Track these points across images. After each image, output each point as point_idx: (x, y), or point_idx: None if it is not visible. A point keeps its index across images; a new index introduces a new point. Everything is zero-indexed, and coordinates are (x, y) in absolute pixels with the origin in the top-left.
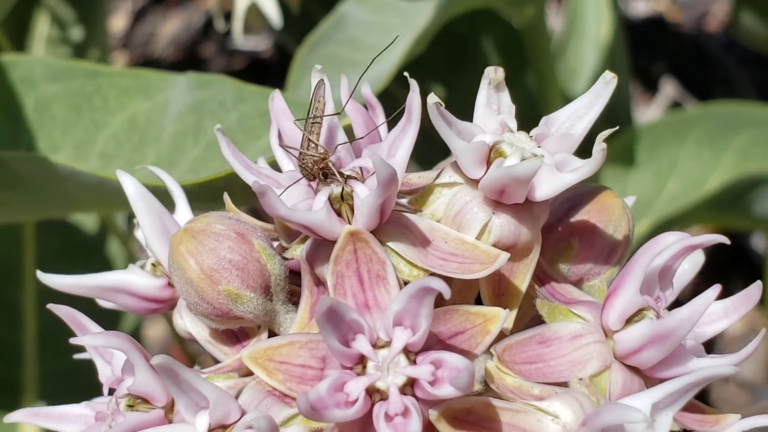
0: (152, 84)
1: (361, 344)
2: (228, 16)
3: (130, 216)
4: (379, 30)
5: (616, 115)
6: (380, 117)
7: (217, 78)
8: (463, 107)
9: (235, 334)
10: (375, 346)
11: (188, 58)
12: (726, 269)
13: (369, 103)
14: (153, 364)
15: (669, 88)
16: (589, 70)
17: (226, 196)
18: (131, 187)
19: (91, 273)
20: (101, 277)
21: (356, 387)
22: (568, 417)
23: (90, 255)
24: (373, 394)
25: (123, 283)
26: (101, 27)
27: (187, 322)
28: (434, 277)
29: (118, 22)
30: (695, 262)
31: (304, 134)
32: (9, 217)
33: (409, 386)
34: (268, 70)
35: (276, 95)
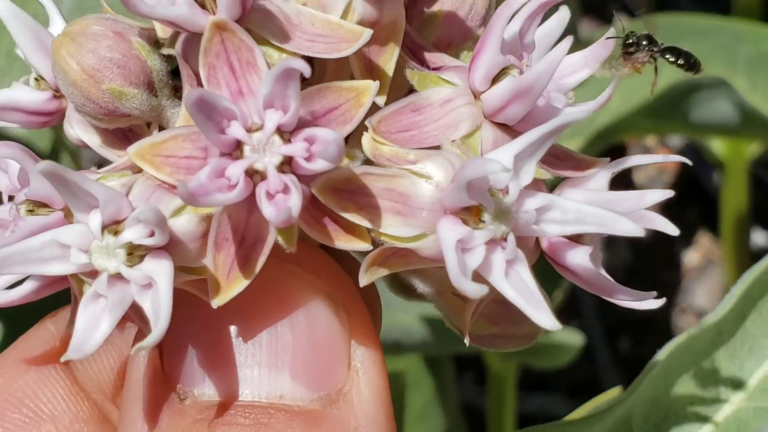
0: None
1: (235, 129)
2: None
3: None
4: None
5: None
6: None
7: None
8: None
9: (127, 136)
10: (250, 130)
11: None
12: (682, 202)
13: None
14: (38, 171)
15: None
16: None
17: (102, 2)
18: (3, 8)
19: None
20: None
21: (235, 170)
22: (440, 176)
23: None
24: (254, 176)
25: (10, 99)
26: None
27: (78, 130)
28: (294, 57)
29: None
30: (561, 18)
31: None
32: None
33: (287, 165)
34: None
35: None
